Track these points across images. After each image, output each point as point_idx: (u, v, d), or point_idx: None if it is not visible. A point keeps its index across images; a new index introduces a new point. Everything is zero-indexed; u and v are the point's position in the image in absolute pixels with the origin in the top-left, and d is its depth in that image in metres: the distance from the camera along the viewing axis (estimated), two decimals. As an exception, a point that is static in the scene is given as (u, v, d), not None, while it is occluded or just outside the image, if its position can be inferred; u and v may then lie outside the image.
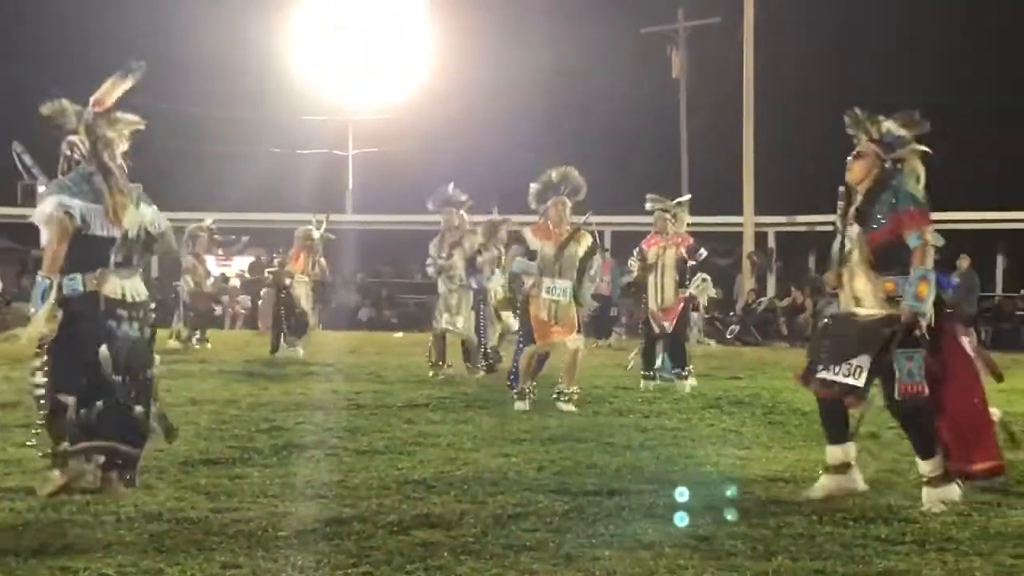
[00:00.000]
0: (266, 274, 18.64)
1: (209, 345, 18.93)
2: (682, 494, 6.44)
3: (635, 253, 13.45)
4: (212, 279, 19.83)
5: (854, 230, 6.68)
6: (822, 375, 6.70)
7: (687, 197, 13.88)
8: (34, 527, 5.56)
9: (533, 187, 11.11)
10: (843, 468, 6.79)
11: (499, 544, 5.43)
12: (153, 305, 7.18)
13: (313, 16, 39.09)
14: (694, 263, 13.18)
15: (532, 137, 37.83)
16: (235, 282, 30.91)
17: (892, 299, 6.49)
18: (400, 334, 24.48)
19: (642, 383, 12.98)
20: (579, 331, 11.12)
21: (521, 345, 11.49)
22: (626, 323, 25.34)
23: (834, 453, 6.82)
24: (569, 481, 7.07)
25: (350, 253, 31.41)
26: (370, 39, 39.03)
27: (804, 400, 12.23)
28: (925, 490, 6.58)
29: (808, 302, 29.03)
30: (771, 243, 32.34)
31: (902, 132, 6.75)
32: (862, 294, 6.66)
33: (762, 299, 29.93)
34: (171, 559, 5.03)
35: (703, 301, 14.22)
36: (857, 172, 6.74)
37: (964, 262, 23.36)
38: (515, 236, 13.55)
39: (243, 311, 29.43)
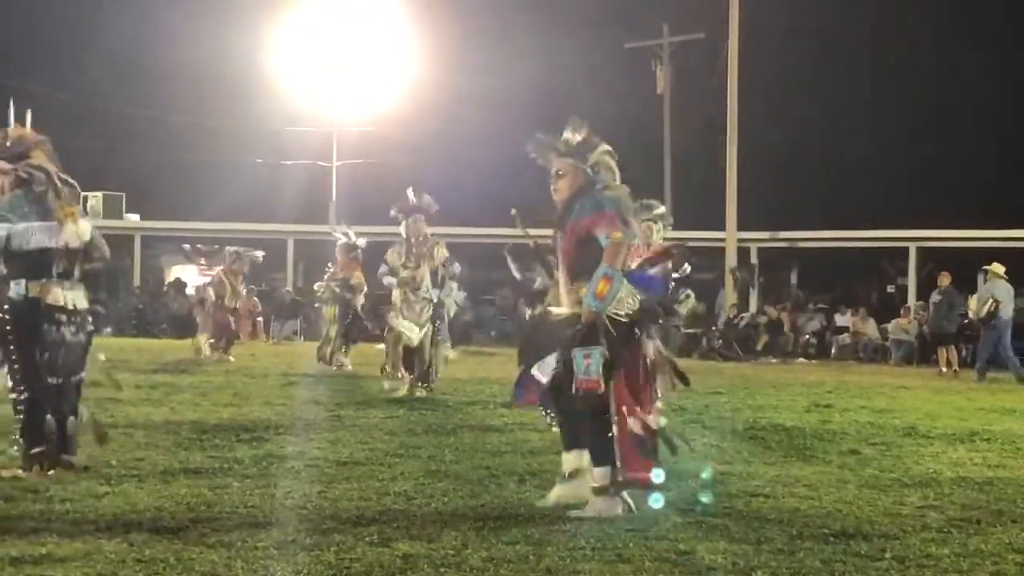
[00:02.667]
0: (322, 289, 18.38)
1: (232, 359, 18.81)
2: (656, 500, 6.42)
3: None
4: (239, 299, 19.71)
5: (557, 240, 6.77)
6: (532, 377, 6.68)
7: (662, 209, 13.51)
8: (12, 536, 5.52)
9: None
10: (576, 475, 6.68)
11: (479, 557, 5.42)
12: (101, 311, 7.69)
13: (298, 26, 39.05)
14: (678, 277, 13.04)
15: (516, 150, 37.87)
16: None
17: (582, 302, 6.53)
18: (381, 345, 24.38)
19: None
20: None
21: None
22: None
23: (569, 460, 6.73)
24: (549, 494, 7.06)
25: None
26: (355, 50, 39.03)
27: (785, 416, 12.29)
28: (591, 499, 6.51)
29: (787, 318, 29.14)
30: (754, 259, 32.42)
31: (580, 138, 6.82)
32: (561, 298, 6.72)
33: (744, 315, 30.00)
34: (150, 569, 5.01)
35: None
36: (564, 189, 6.80)
37: (945, 279, 23.44)
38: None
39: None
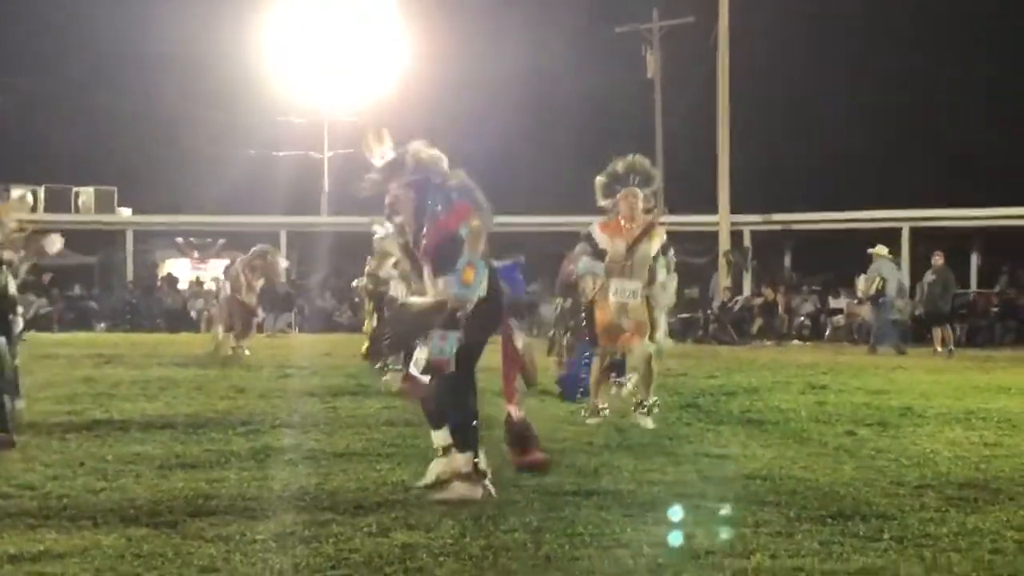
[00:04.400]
0: (362, 283, 18.22)
1: (248, 352, 18.65)
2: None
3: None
4: (253, 296, 19.56)
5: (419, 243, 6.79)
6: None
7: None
8: (10, 533, 5.52)
9: (599, 179, 10.12)
10: (449, 450, 6.71)
11: (478, 545, 5.42)
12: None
13: (287, 16, 38.96)
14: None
15: (507, 136, 37.89)
16: (210, 285, 30.75)
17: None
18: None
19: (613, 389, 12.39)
20: (651, 336, 10.05)
21: (588, 356, 10.66)
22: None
23: (438, 436, 6.75)
24: (547, 482, 7.05)
25: (325, 256, 31.35)
26: (344, 40, 38.94)
27: (780, 398, 12.30)
28: (454, 482, 6.55)
29: (781, 300, 29.14)
30: (747, 242, 32.42)
31: (386, 159, 6.86)
32: (426, 290, 6.77)
33: (738, 298, 30.01)
34: (149, 563, 5.01)
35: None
36: (406, 214, 6.81)
37: (939, 259, 23.48)
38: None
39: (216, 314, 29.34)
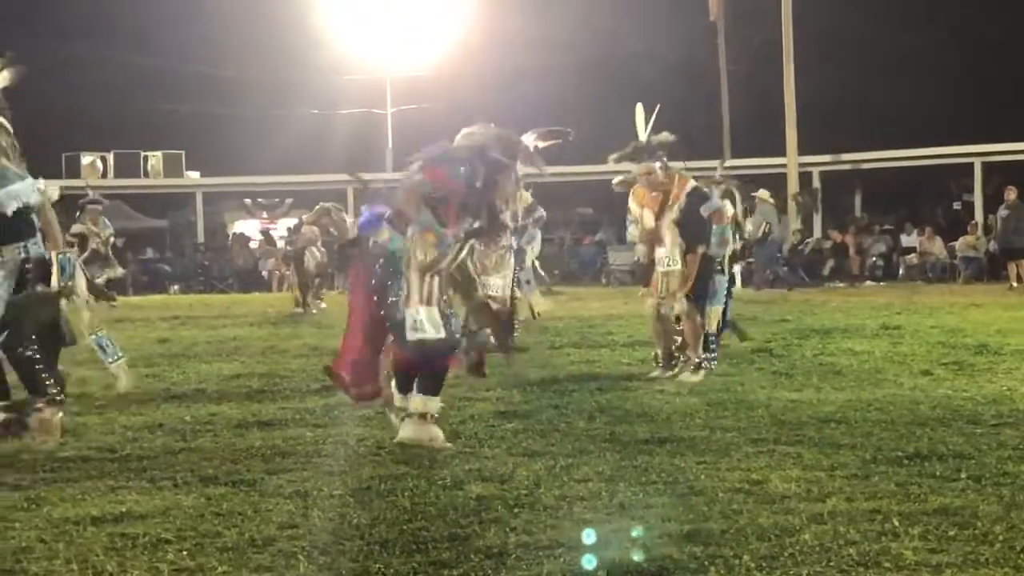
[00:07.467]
0: None
1: (322, 306, 18.97)
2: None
3: None
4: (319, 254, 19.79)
5: None
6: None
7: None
8: (92, 495, 5.62)
9: (612, 155, 10.01)
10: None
11: (552, 496, 5.44)
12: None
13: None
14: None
15: (569, 87, 37.66)
16: (280, 244, 30.98)
17: None
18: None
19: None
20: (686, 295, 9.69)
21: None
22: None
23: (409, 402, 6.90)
24: (620, 430, 7.07)
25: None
26: (405, -4, 38.84)
27: (854, 340, 12.19)
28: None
29: (852, 241, 28.84)
30: (816, 183, 32.06)
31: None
32: None
33: (808, 240, 29.73)
34: (228, 522, 5.08)
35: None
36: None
37: (1011, 193, 23.12)
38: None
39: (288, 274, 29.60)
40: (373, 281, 6.93)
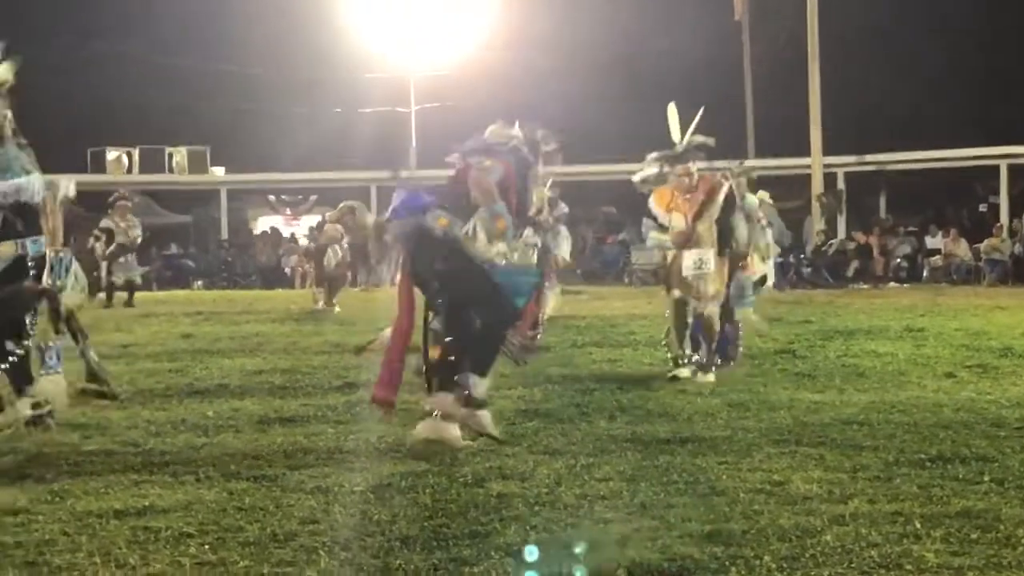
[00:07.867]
0: None
1: (338, 309, 18.92)
2: None
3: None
4: (341, 253, 19.80)
5: None
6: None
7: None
8: (115, 489, 5.64)
9: (652, 155, 9.87)
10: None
11: (573, 494, 5.44)
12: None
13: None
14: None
15: (593, 87, 37.61)
16: (303, 242, 31.05)
17: None
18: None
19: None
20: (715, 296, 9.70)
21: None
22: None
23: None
24: (641, 429, 7.07)
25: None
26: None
27: (877, 342, 12.14)
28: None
29: (876, 242, 28.73)
30: (840, 184, 31.93)
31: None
32: None
33: (832, 241, 29.64)
34: (250, 516, 5.10)
35: None
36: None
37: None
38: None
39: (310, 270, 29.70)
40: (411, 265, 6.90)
